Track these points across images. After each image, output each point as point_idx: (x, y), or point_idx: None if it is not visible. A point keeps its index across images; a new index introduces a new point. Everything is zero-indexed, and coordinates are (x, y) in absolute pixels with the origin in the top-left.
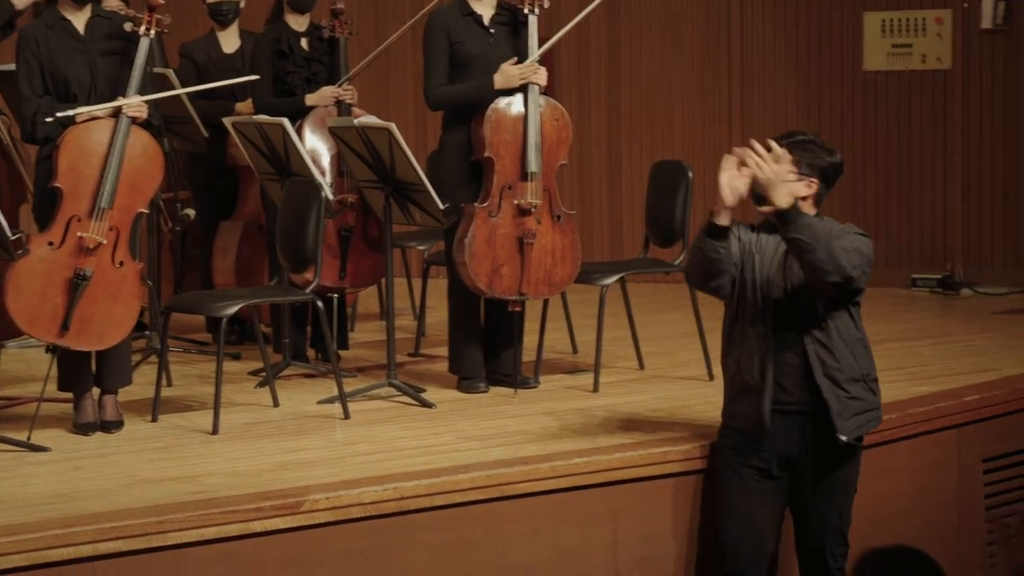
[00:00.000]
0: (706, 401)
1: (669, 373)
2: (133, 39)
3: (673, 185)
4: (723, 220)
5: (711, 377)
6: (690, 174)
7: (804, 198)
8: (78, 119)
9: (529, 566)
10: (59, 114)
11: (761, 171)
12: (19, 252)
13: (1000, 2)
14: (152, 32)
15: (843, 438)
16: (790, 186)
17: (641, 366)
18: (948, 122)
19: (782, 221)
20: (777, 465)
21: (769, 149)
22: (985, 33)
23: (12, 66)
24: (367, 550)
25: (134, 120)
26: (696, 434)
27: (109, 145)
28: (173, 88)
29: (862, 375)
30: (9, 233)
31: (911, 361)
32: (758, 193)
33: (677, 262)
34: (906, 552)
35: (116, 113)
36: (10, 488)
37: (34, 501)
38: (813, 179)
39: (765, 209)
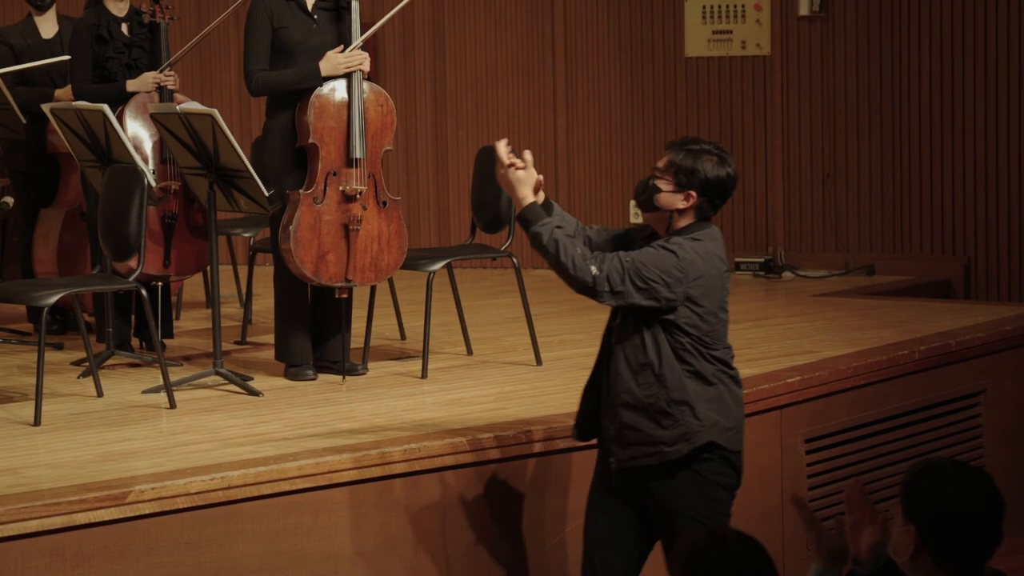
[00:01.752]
0: (534, 385)
1: (497, 358)
2: None
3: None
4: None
5: (539, 362)
6: None
7: (681, 210)
8: None
9: (359, 553)
10: None
11: (498, 172)
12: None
13: None
14: None
15: (611, 461)
16: (525, 191)
17: (469, 351)
18: (768, 107)
19: (520, 222)
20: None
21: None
22: (803, 20)
23: None
24: (195, 541)
25: None
26: (524, 419)
27: None
28: None
29: (642, 403)
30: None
31: (734, 344)
32: (637, 198)
33: (504, 247)
34: (728, 534)
35: None
36: None
37: None
38: (691, 191)
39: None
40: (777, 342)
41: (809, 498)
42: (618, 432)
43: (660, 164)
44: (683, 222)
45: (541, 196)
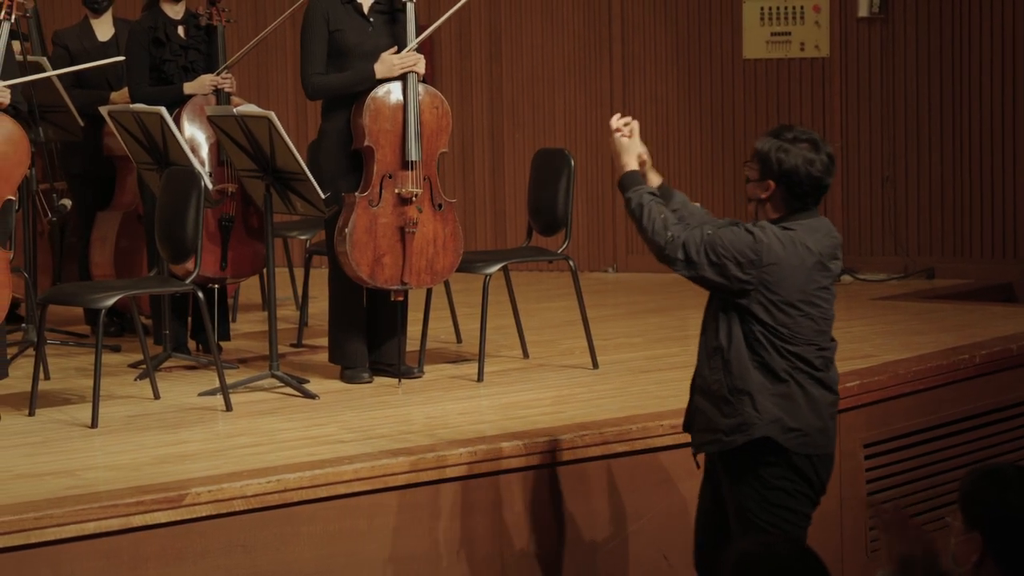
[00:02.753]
0: (590, 389)
1: (554, 362)
2: None
3: (555, 173)
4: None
5: (596, 366)
6: (572, 162)
7: (763, 199)
8: None
9: (414, 557)
10: None
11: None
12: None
13: None
14: (12, 17)
15: (693, 450)
16: (629, 158)
17: (526, 355)
18: (827, 109)
19: (619, 187)
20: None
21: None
22: (862, 21)
23: None
24: (251, 543)
25: None
26: (580, 423)
27: None
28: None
29: (709, 388)
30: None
31: None
32: None
33: (560, 250)
34: (779, 541)
35: None
36: None
37: None
38: (770, 181)
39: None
40: (839, 345)
41: (867, 503)
42: (693, 416)
43: (750, 156)
44: (774, 213)
45: (658, 179)
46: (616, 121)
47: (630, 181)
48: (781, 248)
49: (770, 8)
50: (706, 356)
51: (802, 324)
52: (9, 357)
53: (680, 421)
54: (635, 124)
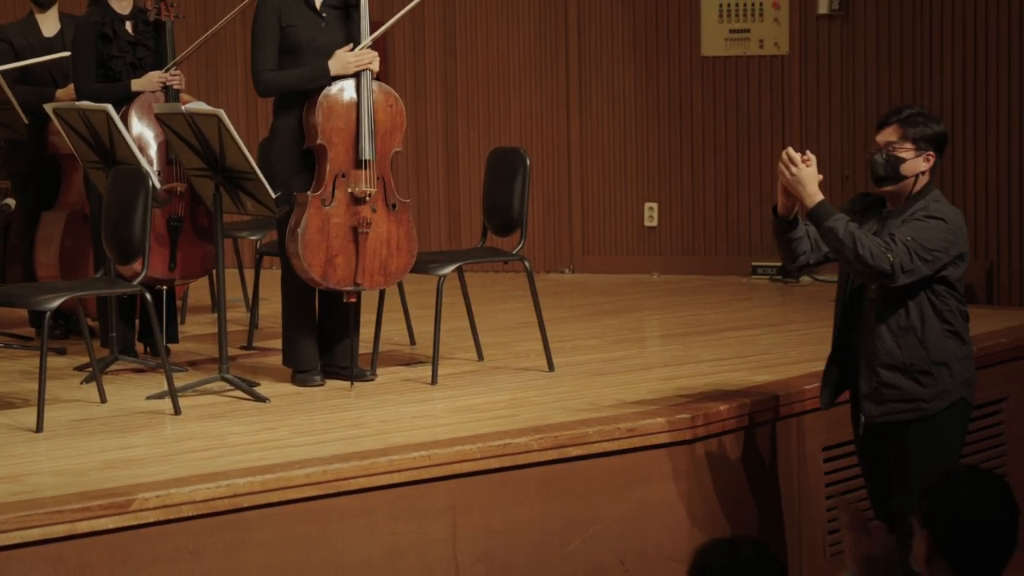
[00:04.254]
0: (546, 392)
1: (509, 364)
2: None
3: (511, 172)
4: (783, 212)
5: (551, 368)
6: (528, 161)
7: (923, 172)
8: None
9: (367, 562)
10: None
11: (784, 175)
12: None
13: None
14: None
15: (862, 418)
16: (813, 188)
17: (480, 357)
18: (786, 107)
19: (812, 219)
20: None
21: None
22: (822, 18)
23: None
24: (200, 550)
25: None
26: (535, 426)
27: None
28: None
29: (903, 364)
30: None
31: (751, 349)
32: (877, 175)
33: (515, 251)
34: (742, 541)
35: None
36: None
37: None
38: (930, 152)
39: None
40: (795, 348)
41: (826, 507)
42: (874, 390)
43: (890, 138)
44: (923, 182)
45: (820, 196)
46: (794, 154)
47: (825, 212)
48: (959, 219)
49: (729, 5)
50: (892, 336)
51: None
52: None
53: (638, 424)
54: (812, 157)
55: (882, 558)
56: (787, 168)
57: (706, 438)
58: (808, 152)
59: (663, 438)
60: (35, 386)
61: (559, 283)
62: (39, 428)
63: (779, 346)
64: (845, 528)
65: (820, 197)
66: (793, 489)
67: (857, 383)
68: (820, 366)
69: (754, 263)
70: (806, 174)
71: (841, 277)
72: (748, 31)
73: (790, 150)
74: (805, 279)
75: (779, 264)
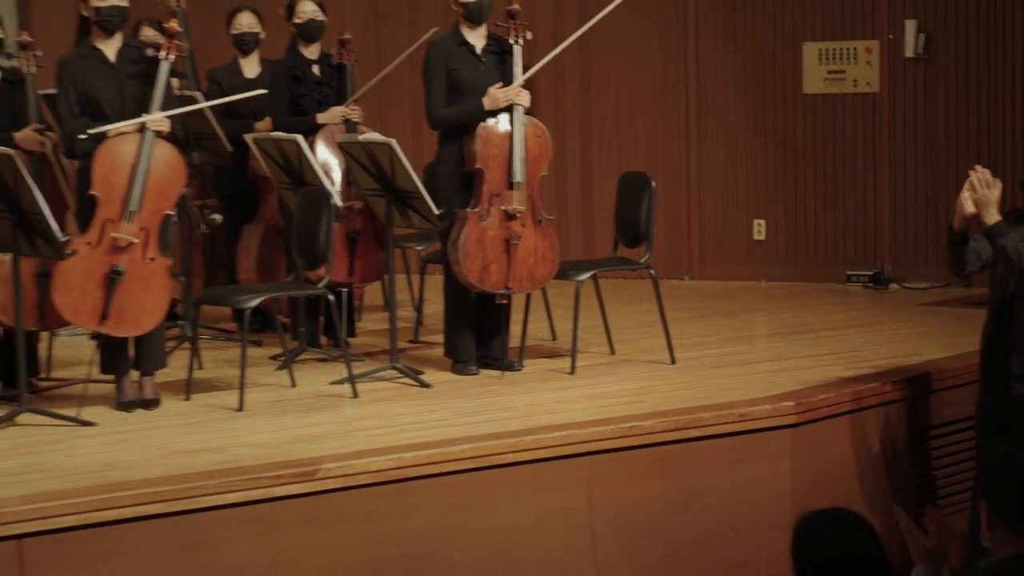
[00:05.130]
0: (668, 381)
1: (636, 357)
2: (156, 63)
3: (638, 193)
4: (958, 228)
5: (673, 361)
6: (653, 184)
7: None
8: (109, 135)
9: (515, 526)
10: (91, 131)
11: (974, 193)
12: (68, 253)
13: (920, 34)
14: (172, 56)
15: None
16: (995, 209)
17: (612, 351)
18: (877, 138)
19: (988, 236)
20: None
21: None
22: (908, 61)
23: (54, 90)
24: (374, 512)
25: (158, 134)
26: (659, 411)
27: (136, 156)
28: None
29: None
30: (60, 236)
31: (845, 347)
32: None
33: (642, 260)
34: (843, 513)
35: (142, 128)
36: (62, 458)
37: (83, 469)
38: None
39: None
40: (884, 346)
41: (915, 484)
42: None
43: None
44: None
45: (998, 216)
46: (989, 176)
47: (1000, 231)
48: None
49: (828, 49)
50: None
51: None
52: (168, 350)
53: (748, 410)
54: (999, 182)
55: (941, 547)
56: (978, 187)
57: (807, 423)
58: (984, 172)
59: (769, 422)
60: (237, 372)
61: (679, 288)
62: (240, 408)
63: (870, 344)
64: (904, 532)
65: (998, 218)
66: (883, 468)
67: (1007, 368)
68: (906, 362)
69: (848, 272)
70: (993, 196)
71: (996, 280)
72: (844, 72)
73: (986, 172)
74: (894, 286)
75: (870, 272)
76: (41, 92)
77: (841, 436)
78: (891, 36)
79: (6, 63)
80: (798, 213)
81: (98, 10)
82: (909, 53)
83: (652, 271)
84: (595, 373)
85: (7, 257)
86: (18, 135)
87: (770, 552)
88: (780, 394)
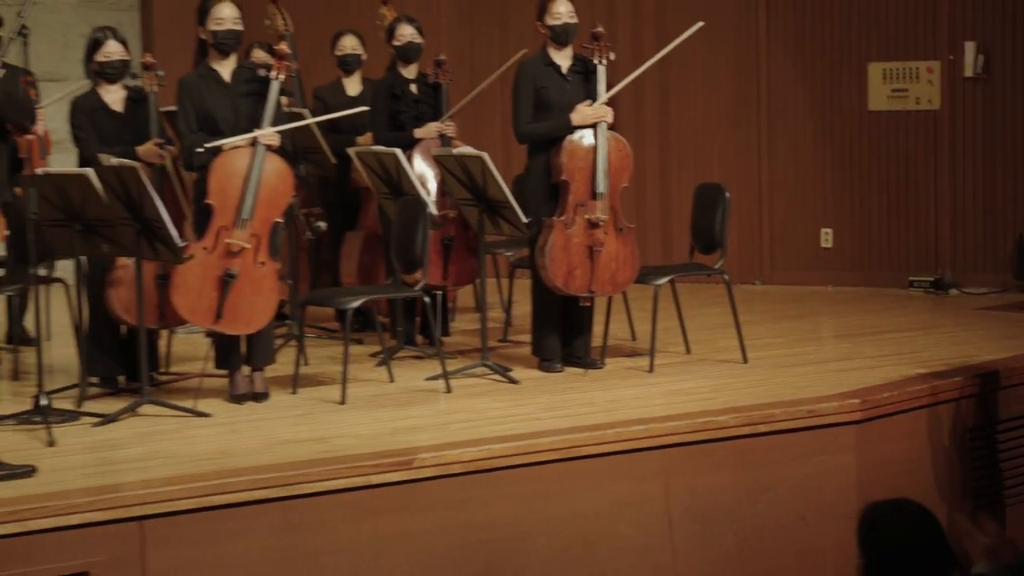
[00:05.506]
0: (741, 379)
1: (711, 357)
2: (267, 82)
3: (713, 203)
4: None
5: (745, 360)
6: (727, 194)
7: None
8: (224, 149)
9: (595, 514)
10: (208, 145)
11: None
12: (186, 257)
13: (980, 54)
14: (281, 76)
15: None
16: None
17: (688, 351)
18: (937, 153)
19: None
20: None
21: None
22: (967, 80)
23: (174, 107)
24: (465, 499)
25: (268, 147)
26: (732, 407)
27: (249, 168)
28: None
29: None
30: (178, 242)
31: (908, 348)
32: None
33: (717, 266)
34: (906, 503)
35: (254, 143)
36: (179, 446)
37: (198, 457)
38: None
39: None
40: (945, 347)
41: (973, 478)
42: None
43: None
44: None
45: None
46: None
47: None
48: None
49: (891, 69)
50: None
51: None
52: (277, 347)
53: (816, 407)
54: None
55: (998, 544)
56: None
57: (871, 419)
58: None
59: (835, 418)
60: (339, 368)
61: (751, 292)
62: (343, 401)
63: (931, 345)
64: (964, 533)
65: None
66: (945, 462)
67: None
68: (966, 362)
69: (911, 277)
70: None
71: None
72: (907, 90)
73: None
74: (953, 291)
75: (931, 278)
76: (162, 109)
77: (904, 432)
78: (951, 57)
79: (131, 82)
80: (863, 222)
81: (215, 33)
82: (968, 73)
83: (726, 276)
84: (672, 371)
85: (130, 261)
86: (140, 149)
87: (836, 540)
88: (846, 392)
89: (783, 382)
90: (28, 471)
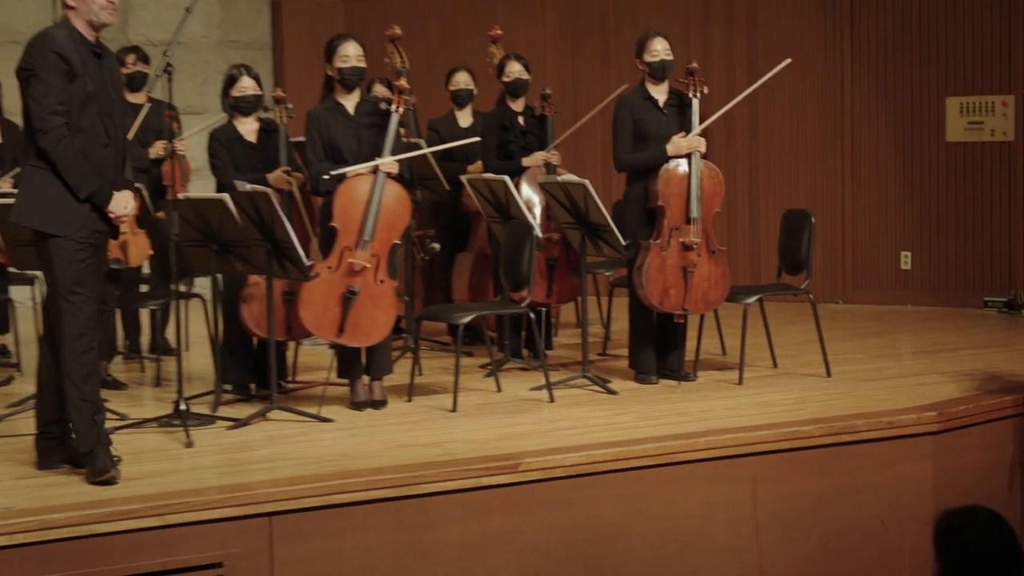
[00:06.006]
0: (825, 392)
1: (796, 371)
2: (387, 115)
3: (799, 227)
4: None
5: (829, 374)
6: (812, 219)
7: None
8: (348, 176)
9: (688, 515)
10: (333, 173)
11: None
12: (312, 275)
13: None
14: (400, 109)
15: None
16: None
17: (775, 365)
18: (1012, 181)
19: None
20: None
21: None
22: None
23: (302, 138)
24: (568, 501)
25: (388, 175)
26: (817, 418)
27: (370, 194)
28: (423, 154)
29: None
30: (305, 261)
31: (982, 364)
32: None
33: (802, 286)
34: (979, 510)
35: (375, 170)
36: (305, 448)
37: (322, 458)
38: None
39: None
40: (1018, 364)
41: None
42: None
43: None
44: None
45: None
46: None
47: None
48: None
49: (968, 103)
50: None
51: None
52: (394, 358)
53: (895, 418)
54: None
55: None
56: None
57: (947, 431)
58: None
59: (913, 429)
60: (451, 378)
61: (834, 311)
62: (454, 408)
63: (1005, 362)
64: None
65: None
66: (1018, 472)
67: None
68: None
69: (985, 298)
70: None
71: None
72: (982, 122)
73: None
74: None
75: (1005, 299)
76: (291, 139)
77: (978, 443)
78: None
79: (263, 115)
80: (940, 246)
81: (340, 70)
82: None
83: (811, 296)
84: (760, 384)
85: (261, 278)
86: (271, 176)
87: (913, 543)
88: (923, 405)
89: (864, 395)
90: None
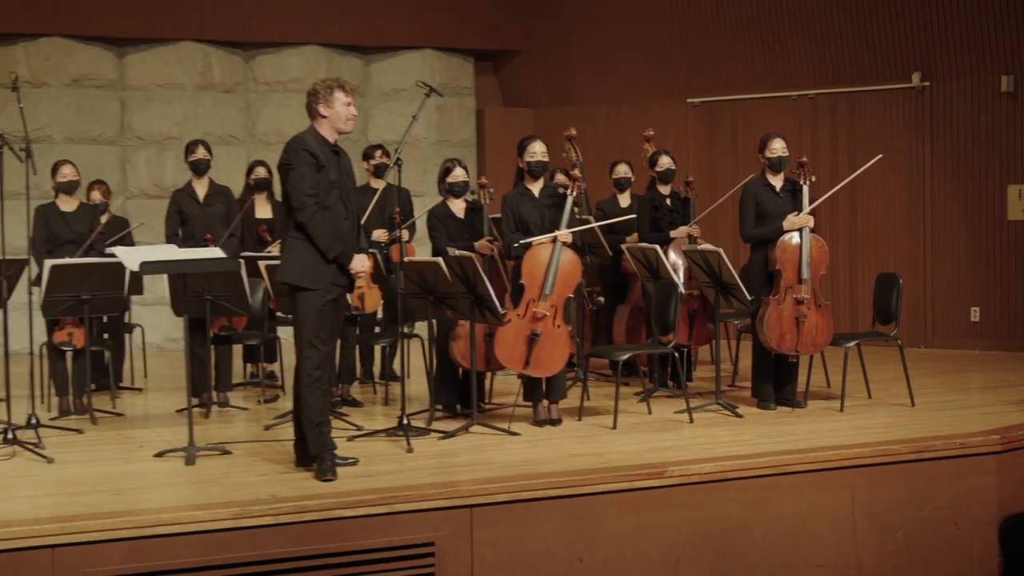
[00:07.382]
0: (910, 418)
1: (887, 401)
2: (564, 197)
3: (889, 287)
4: None
5: (912, 404)
6: (900, 281)
7: None
8: (533, 244)
9: (798, 514)
10: (522, 242)
11: None
12: (505, 321)
13: None
14: (575, 193)
15: None
16: None
17: (869, 396)
18: None
19: None
20: None
21: None
22: None
23: (499, 215)
24: (702, 501)
25: (564, 244)
26: (902, 439)
27: (550, 258)
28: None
29: None
30: (500, 310)
31: None
32: None
33: (892, 334)
34: None
35: (554, 240)
36: (498, 456)
37: (511, 464)
38: None
39: None
40: None
41: None
42: None
43: None
44: None
45: None
46: None
47: None
48: None
49: None
50: None
51: None
52: (568, 386)
53: (966, 440)
54: None
55: None
56: None
57: (1009, 451)
58: None
59: (981, 449)
60: (612, 403)
61: (917, 354)
62: (614, 427)
63: None
64: None
65: None
66: None
67: None
68: None
69: None
70: None
71: None
72: None
73: None
74: None
75: None
76: (491, 216)
77: None
78: None
79: (469, 197)
80: (1004, 302)
81: (529, 163)
82: None
83: (899, 341)
84: (857, 411)
85: (466, 322)
86: (476, 244)
87: (981, 542)
88: (989, 430)
89: (941, 421)
90: (352, 462)
